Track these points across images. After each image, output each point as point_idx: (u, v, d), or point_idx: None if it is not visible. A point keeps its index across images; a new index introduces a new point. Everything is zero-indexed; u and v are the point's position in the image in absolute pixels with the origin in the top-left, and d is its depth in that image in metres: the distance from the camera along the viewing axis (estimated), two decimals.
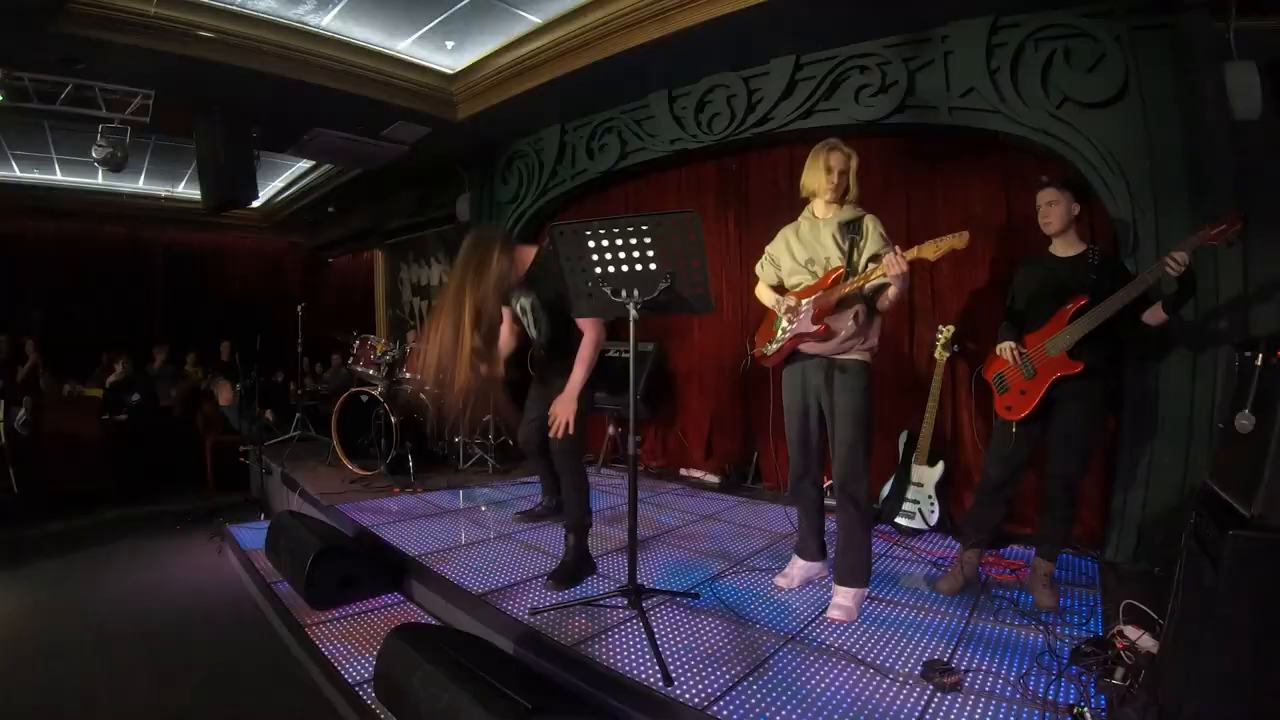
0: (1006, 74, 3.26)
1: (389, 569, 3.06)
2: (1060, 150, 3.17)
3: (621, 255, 2.19)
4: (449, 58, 4.76)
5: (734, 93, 4.22)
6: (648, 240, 2.15)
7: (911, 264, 2.21)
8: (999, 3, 3.19)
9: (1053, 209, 2.50)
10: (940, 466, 3.39)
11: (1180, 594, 1.76)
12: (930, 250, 2.19)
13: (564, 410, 2.59)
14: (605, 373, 3.03)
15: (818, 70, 3.88)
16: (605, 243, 2.19)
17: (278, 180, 7.91)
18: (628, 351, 2.36)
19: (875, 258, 2.33)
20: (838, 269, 2.39)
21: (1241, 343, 1.90)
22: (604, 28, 3.97)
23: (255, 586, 3.30)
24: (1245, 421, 1.62)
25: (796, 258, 2.53)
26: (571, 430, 2.58)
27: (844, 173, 2.43)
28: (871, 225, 2.40)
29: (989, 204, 3.63)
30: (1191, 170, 2.85)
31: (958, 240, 2.16)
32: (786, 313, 2.50)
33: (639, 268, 2.20)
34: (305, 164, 7.10)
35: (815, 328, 2.38)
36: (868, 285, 2.33)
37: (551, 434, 2.61)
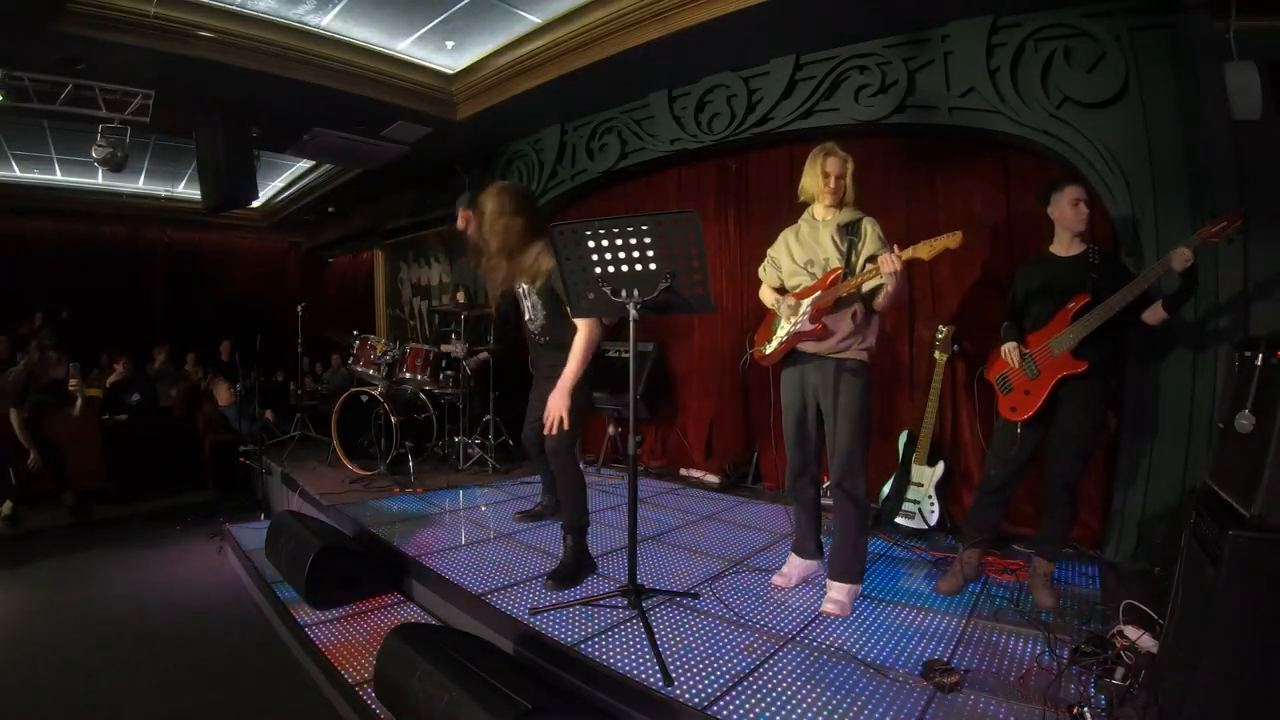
0: (1006, 74, 3.26)
1: (389, 569, 3.06)
2: (1060, 150, 3.17)
3: (621, 255, 2.20)
4: (449, 58, 4.76)
5: (734, 93, 4.22)
6: (648, 240, 2.15)
7: (908, 264, 2.25)
8: (999, 3, 3.19)
9: (1084, 206, 2.50)
10: (940, 466, 3.39)
11: (1180, 594, 1.77)
12: (925, 250, 2.24)
13: (557, 406, 2.55)
14: (605, 373, 3.04)
15: (818, 70, 3.88)
16: (605, 243, 2.19)
17: (278, 180, 7.91)
18: (628, 351, 2.36)
19: (873, 259, 2.37)
20: (836, 270, 2.43)
21: (1242, 342, 1.90)
22: (604, 28, 3.97)
23: (255, 586, 3.30)
24: (1245, 421, 1.62)
25: (796, 259, 2.56)
26: (566, 426, 2.56)
27: (840, 177, 2.46)
28: (870, 227, 2.43)
29: (989, 204, 3.63)
30: (1191, 170, 2.85)
31: (951, 240, 2.20)
32: (786, 312, 2.53)
33: (639, 268, 2.20)
34: (305, 164, 7.10)
35: (813, 327, 2.42)
36: (865, 285, 2.37)
37: (545, 431, 2.60)
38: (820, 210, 2.54)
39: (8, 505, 4.60)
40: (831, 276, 2.42)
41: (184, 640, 2.81)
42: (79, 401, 4.97)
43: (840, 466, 2.41)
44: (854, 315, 2.42)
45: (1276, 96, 2.70)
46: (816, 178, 2.47)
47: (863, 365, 2.45)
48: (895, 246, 2.29)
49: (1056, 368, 2.39)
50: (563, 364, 2.64)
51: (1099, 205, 3.09)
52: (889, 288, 2.32)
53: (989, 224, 3.61)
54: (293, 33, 4.22)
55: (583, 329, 2.61)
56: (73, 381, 4.87)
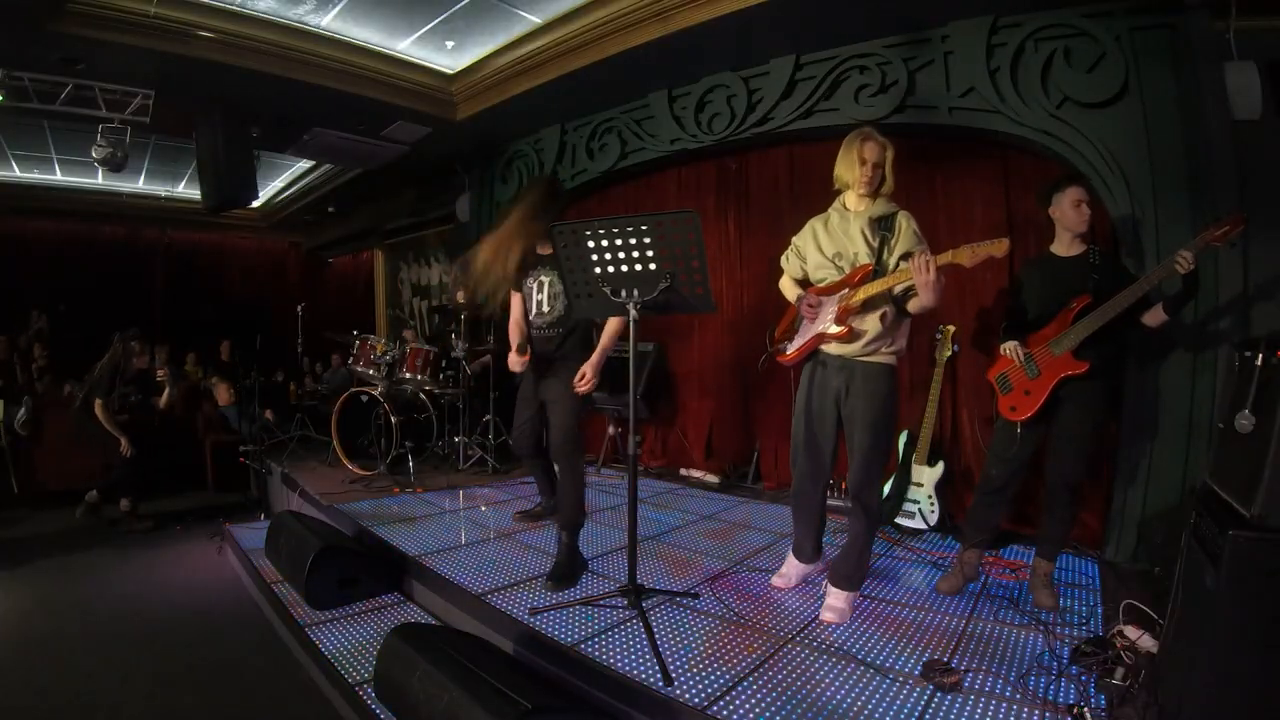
0: (1006, 74, 3.26)
1: (389, 569, 3.06)
2: (1060, 150, 3.17)
3: (621, 255, 2.19)
4: (449, 58, 4.76)
5: (734, 93, 4.22)
6: (648, 240, 2.15)
7: (942, 270, 2.07)
8: (999, 3, 3.19)
9: (1086, 207, 2.48)
10: (940, 466, 3.39)
11: (1180, 594, 1.77)
12: (965, 256, 2.07)
13: (593, 372, 2.70)
14: (605, 372, 3.06)
15: (818, 70, 3.88)
16: (605, 243, 2.19)
17: (278, 180, 7.91)
18: (628, 351, 2.35)
19: (907, 256, 2.19)
20: (866, 267, 2.27)
21: (1241, 343, 1.90)
22: (604, 28, 3.97)
23: (255, 586, 3.30)
24: (1245, 421, 1.62)
25: (824, 251, 2.40)
26: (592, 388, 2.72)
27: (879, 165, 2.29)
28: (905, 222, 2.27)
29: (989, 204, 3.64)
30: (1191, 170, 2.85)
31: (996, 248, 2.02)
32: (806, 309, 2.40)
33: (639, 268, 2.20)
34: (305, 164, 7.10)
35: (839, 329, 2.27)
36: (897, 287, 2.21)
37: (583, 388, 2.68)
38: (853, 200, 2.37)
39: (125, 502, 4.65)
40: (860, 274, 2.27)
41: (184, 640, 2.81)
42: (168, 391, 4.93)
43: (859, 477, 2.30)
44: (884, 316, 2.25)
45: (1276, 96, 2.70)
46: (853, 165, 2.30)
47: (891, 370, 2.31)
48: (928, 251, 2.12)
49: (1057, 368, 2.39)
50: (572, 358, 2.75)
51: (1099, 206, 3.09)
52: (924, 299, 2.11)
53: (989, 224, 3.60)
54: (293, 33, 4.22)
55: (614, 318, 2.72)
56: (160, 371, 4.83)
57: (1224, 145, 2.76)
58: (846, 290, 2.30)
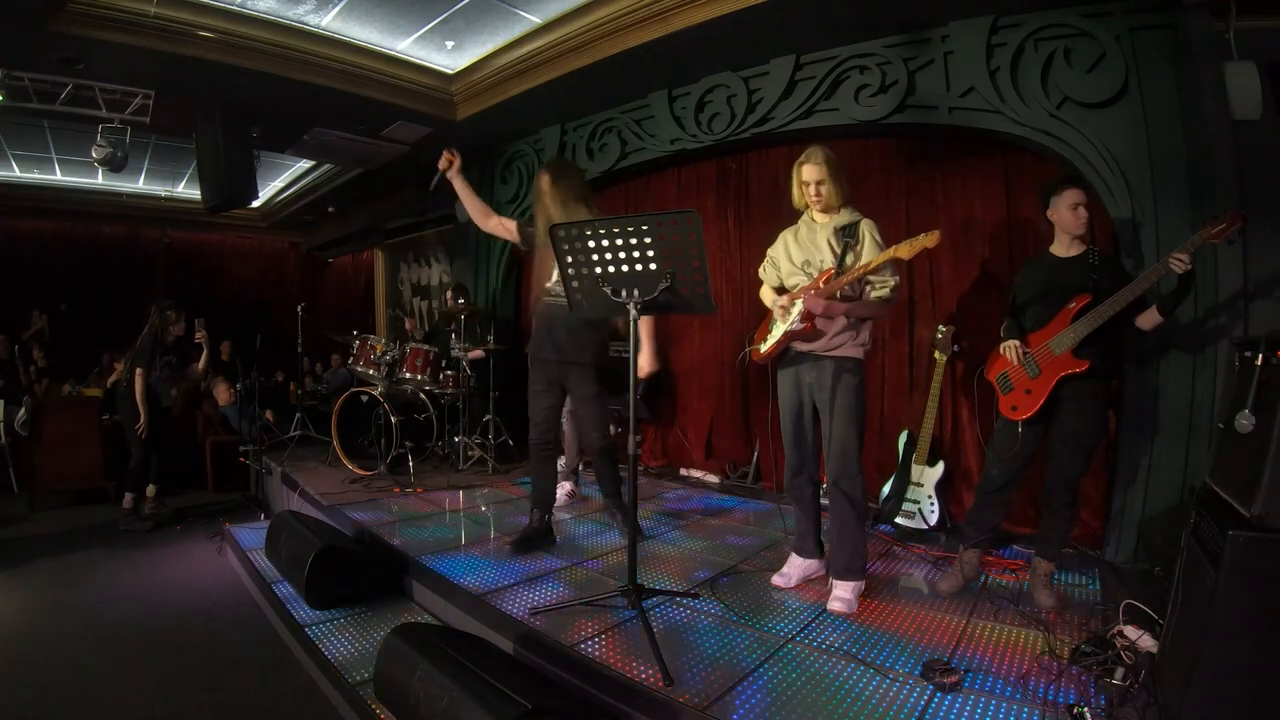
0: (1006, 74, 3.26)
1: (389, 569, 3.06)
2: (1060, 150, 3.17)
3: (621, 255, 2.19)
4: (449, 58, 4.76)
5: (734, 93, 4.22)
6: (648, 240, 2.15)
7: (901, 263, 2.36)
8: (999, 3, 3.19)
9: (1084, 210, 2.49)
10: (940, 466, 3.39)
11: (1180, 594, 1.77)
12: (905, 250, 2.27)
13: (649, 362, 3.04)
14: (605, 372, 3.07)
15: (818, 70, 3.88)
16: (605, 242, 2.19)
17: (278, 180, 7.91)
18: (627, 352, 2.36)
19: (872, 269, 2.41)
20: (828, 271, 2.48)
21: (1241, 342, 1.90)
22: (604, 28, 3.97)
23: (255, 586, 3.30)
24: (1245, 421, 1.62)
25: (794, 260, 2.59)
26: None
27: (820, 183, 2.48)
28: (867, 230, 2.47)
29: (989, 204, 3.64)
30: (1191, 170, 2.85)
31: (929, 239, 2.25)
32: (779, 313, 2.57)
33: (639, 268, 2.19)
34: (305, 164, 7.10)
35: (803, 325, 2.45)
36: (847, 286, 2.42)
37: (645, 373, 2.92)
38: (817, 214, 2.58)
39: (151, 489, 4.71)
40: (824, 277, 2.46)
41: (184, 640, 2.81)
42: (205, 355, 4.90)
43: (836, 465, 2.43)
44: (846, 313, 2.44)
45: (1276, 96, 2.70)
46: (798, 187, 2.54)
47: (857, 363, 2.47)
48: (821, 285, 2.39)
49: (1058, 367, 2.39)
50: (586, 339, 2.96)
51: (1099, 206, 3.09)
52: (807, 307, 2.39)
53: (989, 224, 3.61)
54: (293, 33, 4.22)
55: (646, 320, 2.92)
56: (199, 334, 4.80)
57: (1224, 145, 2.76)
58: (812, 292, 2.47)
